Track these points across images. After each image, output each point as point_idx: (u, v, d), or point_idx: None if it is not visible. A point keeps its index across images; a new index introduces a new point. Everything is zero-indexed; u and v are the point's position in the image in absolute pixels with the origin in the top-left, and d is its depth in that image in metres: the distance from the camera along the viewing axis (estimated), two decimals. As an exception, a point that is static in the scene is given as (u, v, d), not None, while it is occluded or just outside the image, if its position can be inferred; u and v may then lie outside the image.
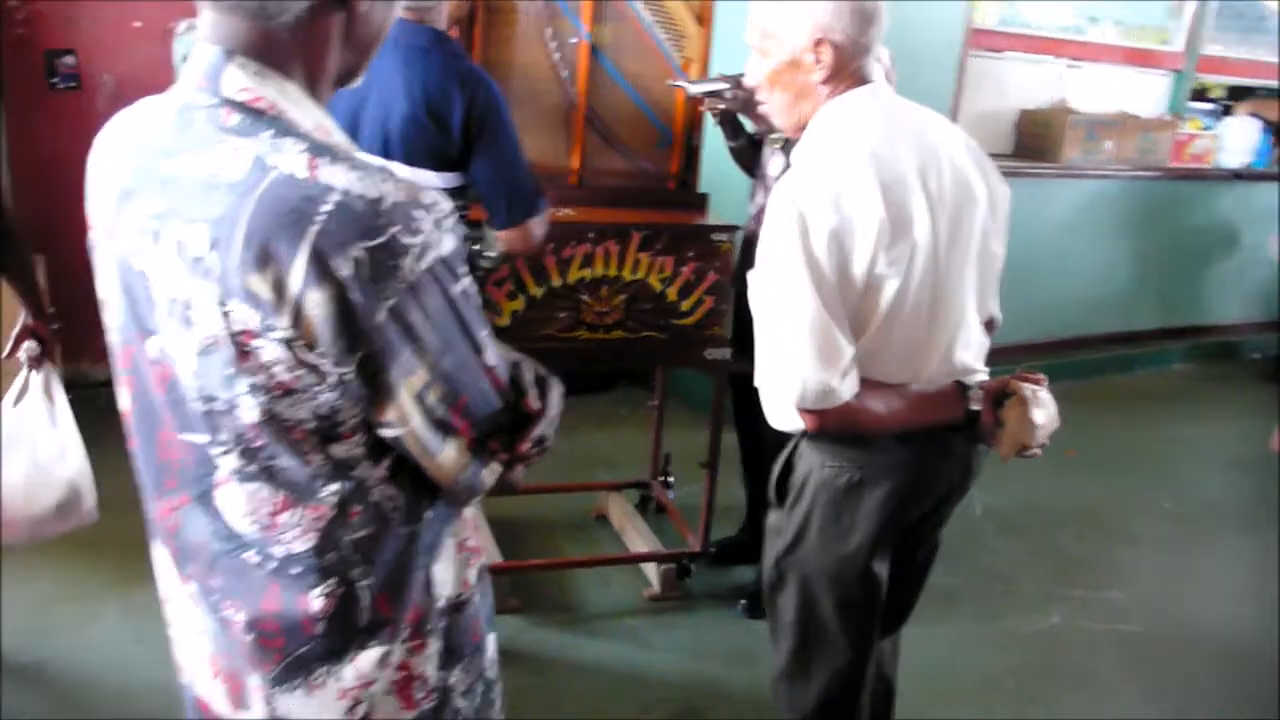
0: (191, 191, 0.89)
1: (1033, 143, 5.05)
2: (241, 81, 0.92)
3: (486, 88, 2.17)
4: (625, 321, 2.67)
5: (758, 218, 2.82)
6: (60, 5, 3.85)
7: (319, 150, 0.89)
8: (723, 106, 2.73)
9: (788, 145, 2.61)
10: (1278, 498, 4.23)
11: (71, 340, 3.41)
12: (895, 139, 1.66)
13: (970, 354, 1.79)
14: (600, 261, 2.61)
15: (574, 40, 2.82)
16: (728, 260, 2.72)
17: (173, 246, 0.90)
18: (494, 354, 1.00)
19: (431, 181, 2.18)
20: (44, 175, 3.88)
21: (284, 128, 0.90)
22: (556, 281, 2.59)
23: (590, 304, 2.63)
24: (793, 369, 1.61)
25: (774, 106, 1.76)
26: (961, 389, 1.73)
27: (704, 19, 2.90)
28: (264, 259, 0.84)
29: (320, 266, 0.84)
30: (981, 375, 1.81)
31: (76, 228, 3.78)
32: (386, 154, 2.14)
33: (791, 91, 1.70)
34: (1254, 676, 2.94)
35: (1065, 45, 5.14)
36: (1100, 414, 4.88)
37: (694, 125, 2.94)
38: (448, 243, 0.91)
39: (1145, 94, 5.56)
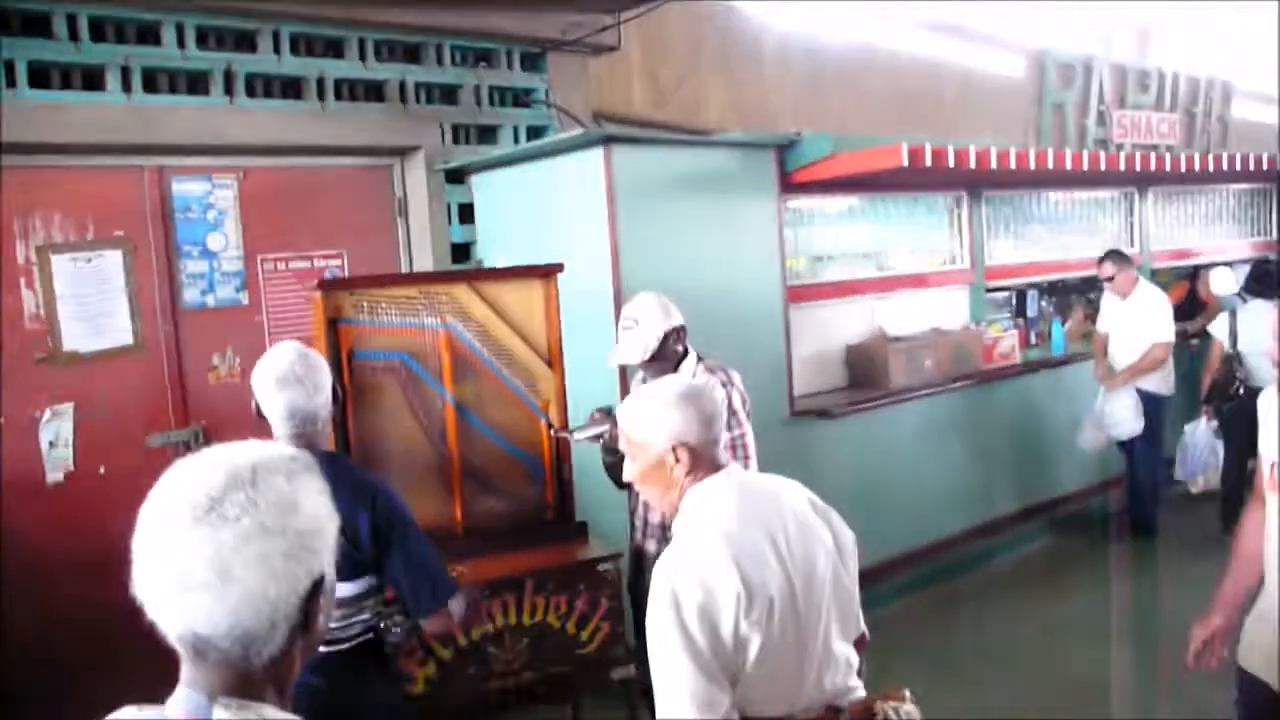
0: None
1: (862, 373, 5.54)
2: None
3: (385, 495, 2.37)
4: (532, 663, 2.82)
5: (643, 531, 3.08)
6: (-82, 417, 3.89)
7: None
8: (601, 443, 3.01)
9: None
10: (1145, 669, 4.56)
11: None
12: (746, 513, 2.00)
13: (840, 677, 2.07)
14: (500, 614, 2.78)
15: (439, 404, 3.07)
16: (617, 585, 2.93)
17: None
18: None
19: (346, 590, 2.33)
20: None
21: None
22: (462, 641, 2.74)
23: (497, 654, 2.77)
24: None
25: (649, 496, 2.15)
26: (835, 713, 2.00)
27: (554, 362, 3.21)
28: None
29: None
30: (857, 690, 2.07)
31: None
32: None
33: (661, 485, 2.09)
34: None
35: (871, 283, 5.73)
36: (979, 611, 5.19)
37: (562, 459, 3.20)
38: None
39: (950, 306, 6.20)
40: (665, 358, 3.10)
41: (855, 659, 2.12)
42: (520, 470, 3.17)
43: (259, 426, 4.48)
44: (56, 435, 4.15)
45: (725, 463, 2.10)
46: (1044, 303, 7.35)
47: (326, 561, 1.15)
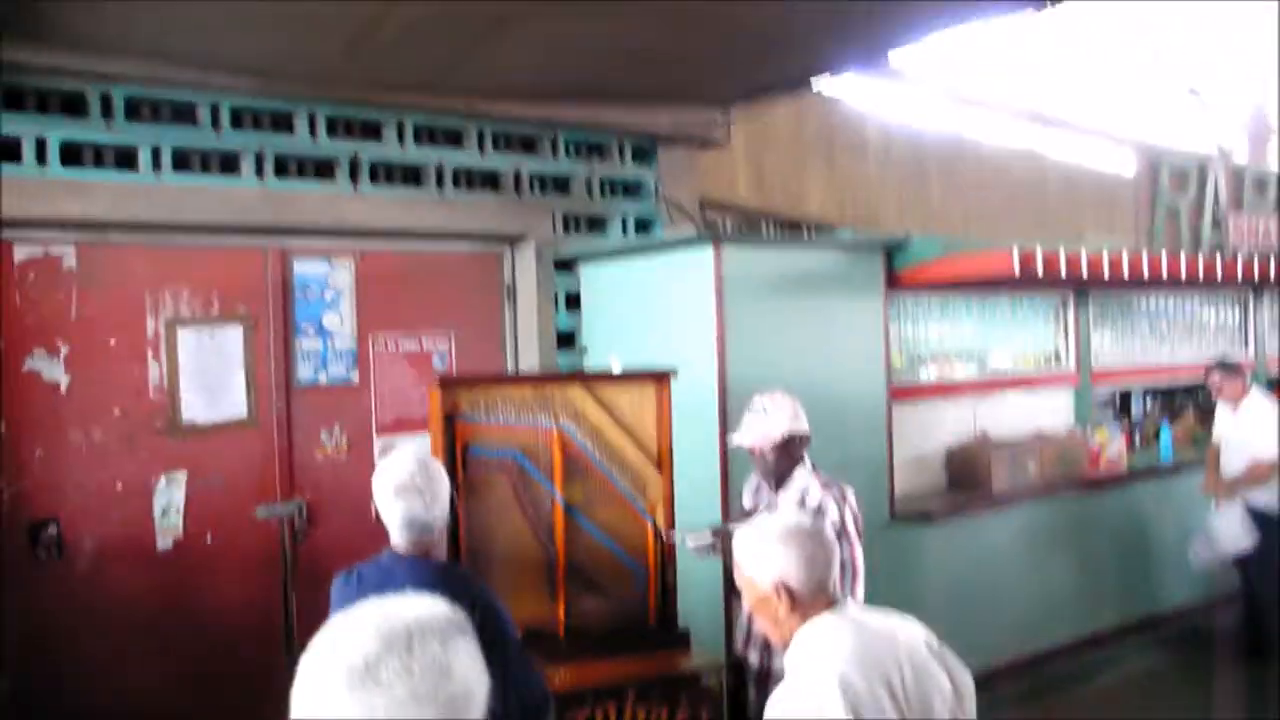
0: None
1: (962, 476, 5.42)
2: None
3: (497, 613, 2.37)
4: (631, 776, 2.78)
5: (745, 641, 3.05)
6: (44, 480, 4.02)
7: None
8: (713, 556, 3.01)
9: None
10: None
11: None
12: (862, 654, 1.97)
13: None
14: (601, 722, 2.75)
15: (549, 503, 3.09)
16: (719, 699, 2.89)
17: None
18: None
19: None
20: (31, 647, 3.93)
21: None
22: (563, 750, 2.71)
23: (597, 766, 2.74)
24: None
25: (762, 627, 2.16)
26: None
27: (663, 466, 3.21)
28: None
29: None
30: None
31: (63, 694, 3.77)
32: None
33: (769, 620, 2.10)
34: None
35: (973, 384, 5.64)
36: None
37: (667, 564, 3.18)
38: None
39: (1054, 408, 6.06)
40: (783, 459, 3.10)
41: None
42: (625, 573, 3.16)
43: (358, 502, 4.58)
44: (169, 503, 4.27)
45: (838, 598, 2.07)
46: (1150, 404, 7.13)
47: None
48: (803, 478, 3.11)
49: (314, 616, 4.75)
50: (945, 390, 5.51)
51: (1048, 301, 6.04)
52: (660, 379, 3.22)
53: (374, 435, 4.68)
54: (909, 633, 2.08)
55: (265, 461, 4.44)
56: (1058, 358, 6.10)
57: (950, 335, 5.64)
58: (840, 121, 7.00)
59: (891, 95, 7.31)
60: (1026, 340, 5.98)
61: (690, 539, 3.04)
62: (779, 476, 3.12)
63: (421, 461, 2.44)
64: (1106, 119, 8.44)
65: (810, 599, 2.03)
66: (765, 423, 3.09)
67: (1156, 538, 6.02)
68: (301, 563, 4.45)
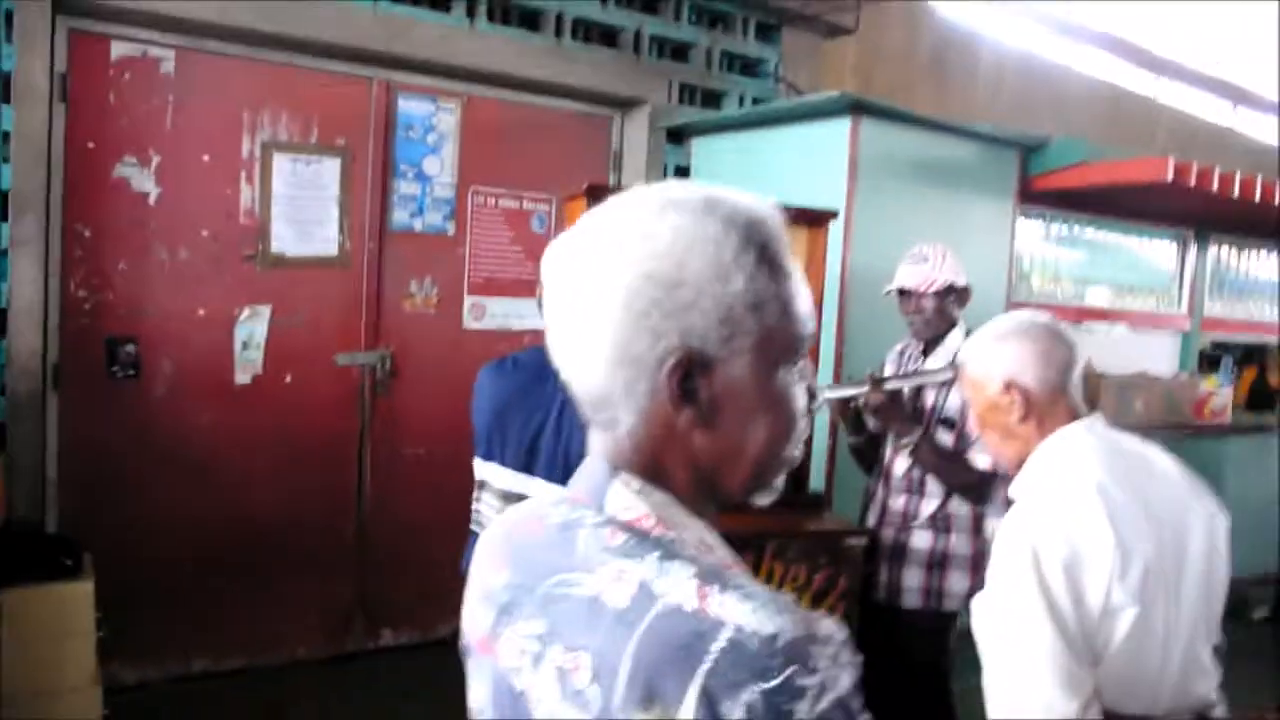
0: (575, 615, 0.86)
1: (1066, 405, 5.16)
2: (625, 499, 0.90)
3: None
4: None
5: (880, 516, 2.80)
6: (126, 295, 3.82)
7: (708, 577, 0.83)
8: (855, 406, 2.75)
9: (914, 449, 2.63)
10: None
11: (112, 640, 3.22)
12: (1116, 469, 1.72)
13: (1205, 684, 1.75)
14: (735, 572, 2.53)
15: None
16: (857, 565, 2.66)
17: (553, 673, 0.86)
18: None
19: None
20: (97, 466, 3.76)
21: (670, 550, 0.86)
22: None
23: (726, 617, 2.52)
24: (1035, 701, 1.58)
25: (989, 445, 1.91)
26: None
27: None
28: (649, 697, 0.79)
29: (710, 709, 0.77)
30: (1220, 710, 1.75)
31: (124, 521, 3.57)
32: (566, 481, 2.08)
33: (998, 431, 1.83)
34: None
35: (1083, 312, 5.37)
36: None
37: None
38: (845, 680, 0.81)
39: (1156, 351, 5.78)
40: (940, 314, 2.81)
41: (1217, 671, 1.80)
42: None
43: (443, 360, 4.34)
44: (250, 336, 4.06)
45: (1084, 411, 1.80)
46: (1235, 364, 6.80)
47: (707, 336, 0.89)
48: (957, 337, 2.82)
49: (386, 471, 4.56)
50: (1052, 312, 5.23)
51: (1167, 237, 5.72)
52: (818, 221, 2.95)
53: (465, 293, 4.44)
54: (1160, 456, 1.83)
55: (351, 306, 4.22)
56: (1168, 300, 5.80)
57: (1062, 257, 5.37)
58: (955, 44, 6.64)
59: (1006, 19, 6.96)
60: (1140, 275, 5.69)
61: (829, 391, 2.79)
62: (933, 336, 2.84)
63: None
64: (1256, 78, 8.04)
65: (1048, 404, 1.76)
66: (928, 270, 2.80)
67: (1259, 496, 5.73)
68: (379, 415, 4.26)
